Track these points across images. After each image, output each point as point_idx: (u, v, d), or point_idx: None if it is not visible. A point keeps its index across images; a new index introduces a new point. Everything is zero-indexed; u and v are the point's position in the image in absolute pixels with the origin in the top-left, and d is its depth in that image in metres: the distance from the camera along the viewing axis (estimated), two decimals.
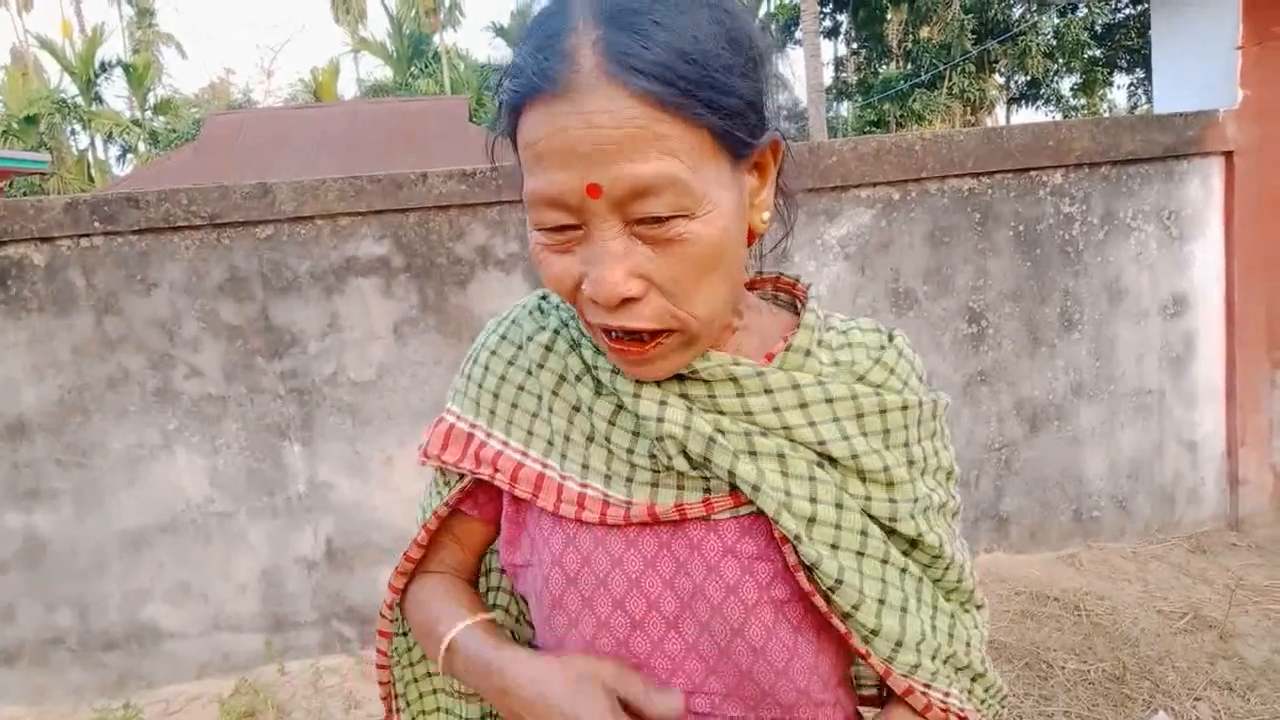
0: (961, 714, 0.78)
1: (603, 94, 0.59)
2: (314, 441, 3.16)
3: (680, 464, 0.73)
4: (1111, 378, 3.60)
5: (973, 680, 0.81)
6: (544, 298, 0.86)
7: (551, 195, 0.62)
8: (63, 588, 3.07)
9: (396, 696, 0.96)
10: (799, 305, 0.85)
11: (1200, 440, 3.69)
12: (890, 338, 0.82)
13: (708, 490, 0.74)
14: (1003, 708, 0.86)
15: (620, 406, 0.75)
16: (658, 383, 0.74)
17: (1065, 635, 2.99)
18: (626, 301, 0.64)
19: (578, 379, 0.77)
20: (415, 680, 0.98)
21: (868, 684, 0.93)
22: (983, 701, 0.82)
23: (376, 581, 3.21)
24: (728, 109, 0.62)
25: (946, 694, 0.77)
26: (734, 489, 0.74)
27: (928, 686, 0.76)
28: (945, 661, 0.78)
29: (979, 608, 0.85)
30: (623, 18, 0.60)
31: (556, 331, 0.81)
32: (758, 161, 0.70)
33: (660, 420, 0.72)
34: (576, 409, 0.78)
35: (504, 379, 0.82)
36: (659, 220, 0.62)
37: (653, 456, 0.74)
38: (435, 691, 0.99)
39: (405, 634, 0.96)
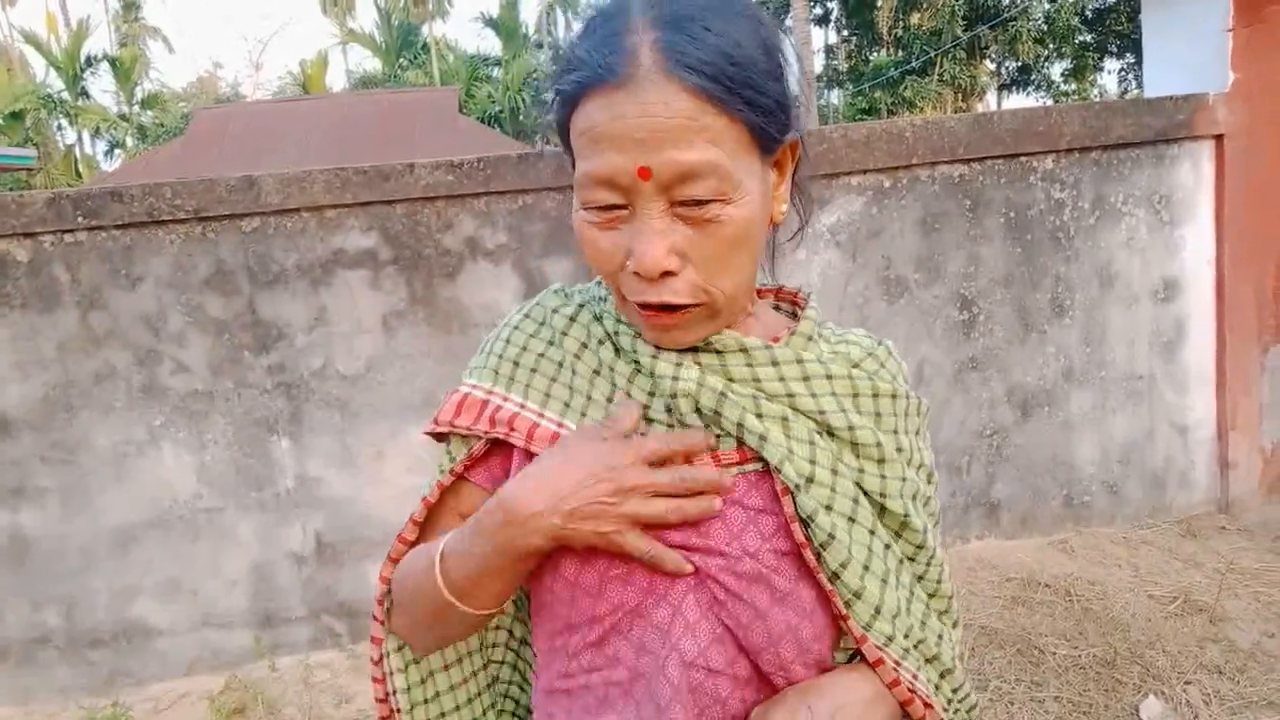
0: (926, 700, 0.78)
1: (659, 87, 0.67)
2: (303, 436, 3.14)
3: (692, 420, 0.78)
4: (1102, 363, 3.59)
5: (941, 675, 0.82)
6: (561, 288, 0.91)
7: (605, 175, 0.69)
8: (49, 586, 3.04)
9: (398, 711, 0.91)
10: (798, 312, 0.92)
11: (1191, 424, 3.70)
12: (879, 342, 0.89)
13: (714, 448, 0.78)
14: (970, 717, 0.86)
15: (638, 369, 0.80)
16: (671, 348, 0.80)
17: (1056, 621, 2.99)
18: (664, 276, 0.71)
19: (600, 343, 0.83)
20: (408, 689, 0.91)
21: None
22: (949, 701, 0.83)
23: (367, 576, 3.20)
24: (763, 108, 0.71)
25: (914, 676, 0.78)
26: (740, 445, 0.78)
27: (897, 663, 0.77)
28: (915, 646, 0.80)
29: (955, 625, 0.87)
30: (678, 22, 0.68)
31: (581, 305, 0.87)
32: (778, 159, 0.78)
33: (675, 379, 0.77)
34: (598, 372, 0.83)
35: (525, 349, 0.86)
36: (699, 203, 0.69)
37: (668, 410, 0.79)
38: (438, 694, 0.93)
39: (401, 648, 0.90)
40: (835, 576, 0.75)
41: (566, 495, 0.73)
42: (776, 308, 0.94)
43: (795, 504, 0.75)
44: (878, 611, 0.76)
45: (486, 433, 0.83)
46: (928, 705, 0.78)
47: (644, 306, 0.74)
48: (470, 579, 0.77)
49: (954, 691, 0.83)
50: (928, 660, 0.80)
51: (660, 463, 0.75)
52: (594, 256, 0.75)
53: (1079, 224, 3.50)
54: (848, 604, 0.75)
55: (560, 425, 0.82)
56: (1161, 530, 3.62)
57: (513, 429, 0.82)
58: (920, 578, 0.83)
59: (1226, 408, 3.65)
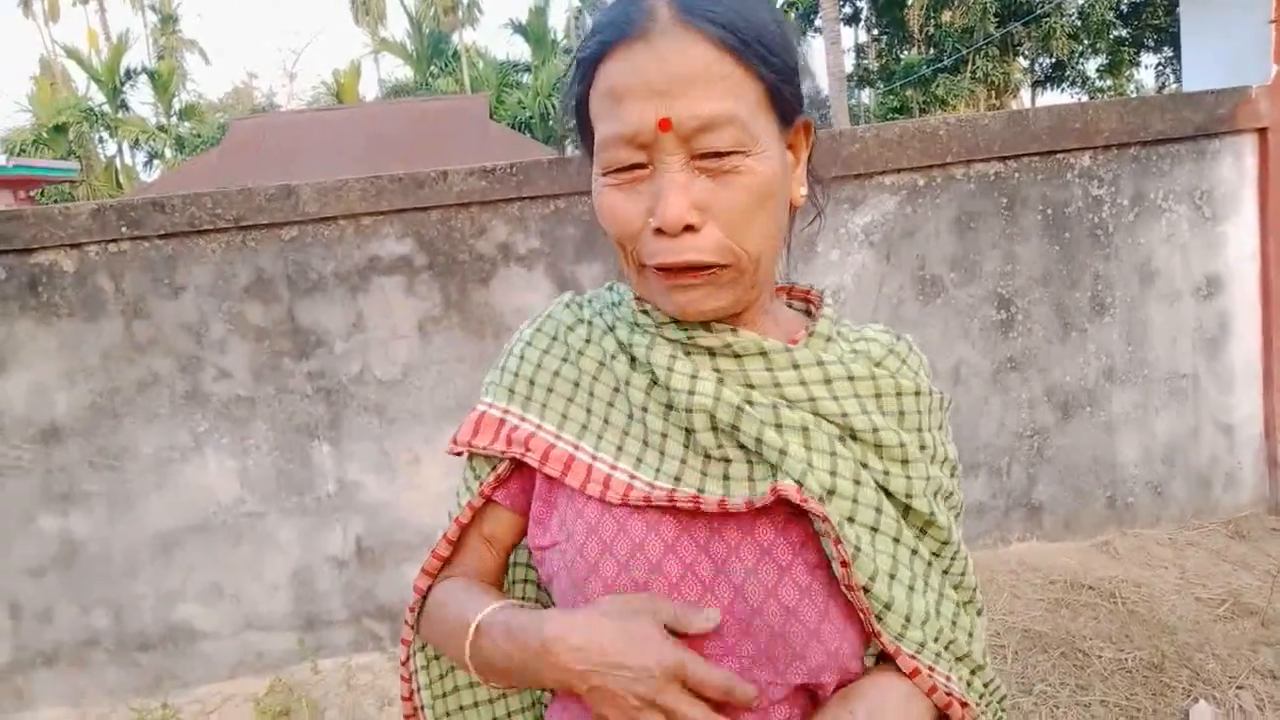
0: (963, 700, 0.78)
1: (677, 37, 0.69)
2: (342, 441, 3.17)
3: (707, 439, 0.77)
4: (1145, 361, 3.53)
5: (972, 673, 0.82)
6: (573, 298, 0.91)
7: (626, 133, 0.70)
8: (98, 589, 3.11)
9: (421, 708, 0.95)
10: (813, 311, 0.91)
11: (1237, 423, 3.62)
12: (899, 337, 0.88)
13: (726, 479, 0.78)
14: (1003, 710, 0.86)
15: (654, 381, 0.80)
16: (688, 354, 0.79)
17: (1101, 624, 2.94)
18: (687, 232, 0.71)
19: (614, 357, 0.82)
20: (443, 695, 0.95)
21: None
22: (980, 696, 0.82)
23: (406, 579, 3.23)
24: (777, 69, 0.72)
25: (947, 678, 0.78)
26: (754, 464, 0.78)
27: (931, 669, 0.77)
28: (946, 647, 0.79)
29: (979, 613, 0.87)
30: None
31: (591, 322, 0.86)
32: (791, 142, 0.78)
33: (691, 393, 0.77)
34: (618, 390, 0.82)
35: (540, 366, 0.86)
36: (720, 155, 0.70)
37: (687, 432, 0.78)
38: (462, 708, 0.96)
39: (437, 656, 0.95)
40: (865, 590, 0.74)
41: (602, 673, 0.70)
42: (790, 306, 0.93)
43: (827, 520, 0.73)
44: (908, 620, 0.76)
45: (504, 452, 0.84)
46: (964, 705, 0.78)
47: (665, 271, 0.73)
48: (493, 668, 0.79)
49: (985, 686, 0.83)
50: (959, 659, 0.80)
51: (703, 695, 0.71)
52: (614, 219, 0.74)
53: (1118, 221, 3.44)
54: (879, 617, 0.75)
55: (577, 447, 0.82)
56: (1208, 531, 3.55)
57: (529, 449, 0.83)
58: (945, 571, 0.82)
59: (1275, 406, 3.57)
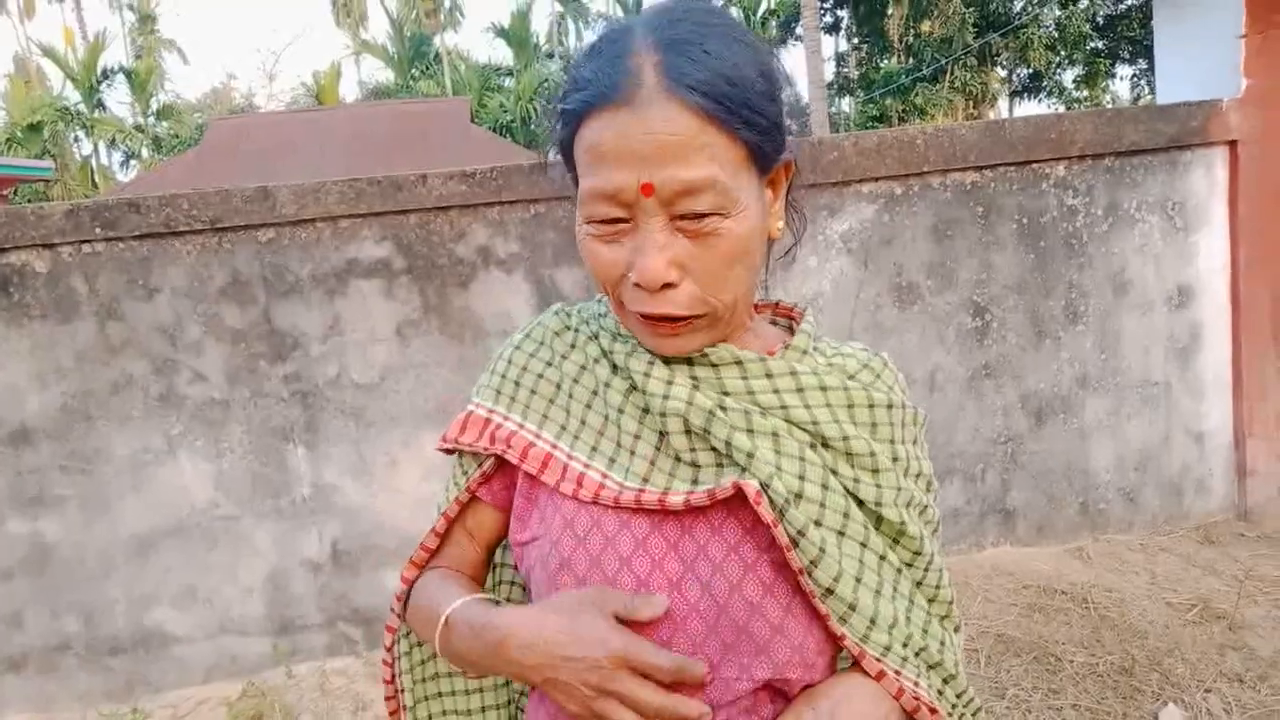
0: (932, 706, 0.79)
1: (661, 106, 0.70)
2: (318, 444, 3.15)
3: (680, 442, 0.80)
4: (1117, 370, 3.58)
5: (944, 681, 0.82)
6: (562, 307, 0.95)
7: (609, 191, 0.72)
8: (69, 594, 3.07)
9: (401, 691, 0.98)
10: (794, 326, 0.93)
11: (1208, 431, 3.68)
12: (875, 354, 0.91)
13: (695, 482, 0.80)
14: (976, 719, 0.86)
15: (633, 386, 0.83)
16: (667, 363, 0.82)
17: (1073, 628, 2.98)
18: (665, 287, 0.73)
19: (595, 362, 0.86)
20: (422, 680, 1.00)
21: None
22: (953, 706, 0.83)
23: (382, 583, 3.21)
24: (759, 128, 0.74)
25: (915, 683, 0.79)
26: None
27: (898, 672, 0.78)
28: (916, 653, 0.80)
29: (956, 630, 0.87)
30: (679, 46, 0.71)
31: (577, 329, 0.90)
32: (772, 179, 0.81)
33: (666, 397, 0.80)
34: (596, 393, 0.86)
35: (525, 369, 0.90)
36: (699, 216, 0.72)
37: (661, 435, 0.81)
38: (440, 695, 1.01)
39: (419, 643, 0.99)
40: (829, 592, 0.76)
41: (553, 664, 0.73)
42: (774, 323, 0.95)
43: (785, 527, 0.75)
44: (873, 622, 0.77)
45: (486, 449, 0.87)
46: (933, 710, 0.79)
47: (645, 317, 0.77)
48: (461, 659, 0.83)
49: (958, 697, 0.84)
50: (930, 667, 0.81)
51: (653, 680, 0.73)
52: (597, 268, 0.77)
53: (1092, 231, 3.49)
54: (842, 618, 0.76)
55: (554, 446, 0.85)
56: (1179, 537, 3.59)
57: (509, 446, 0.86)
58: (919, 583, 0.84)
59: (1244, 414, 3.63)
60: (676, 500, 0.78)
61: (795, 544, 0.75)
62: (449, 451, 0.92)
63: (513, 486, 0.89)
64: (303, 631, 3.22)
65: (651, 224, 0.72)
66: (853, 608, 0.76)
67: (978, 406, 3.52)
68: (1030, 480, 3.58)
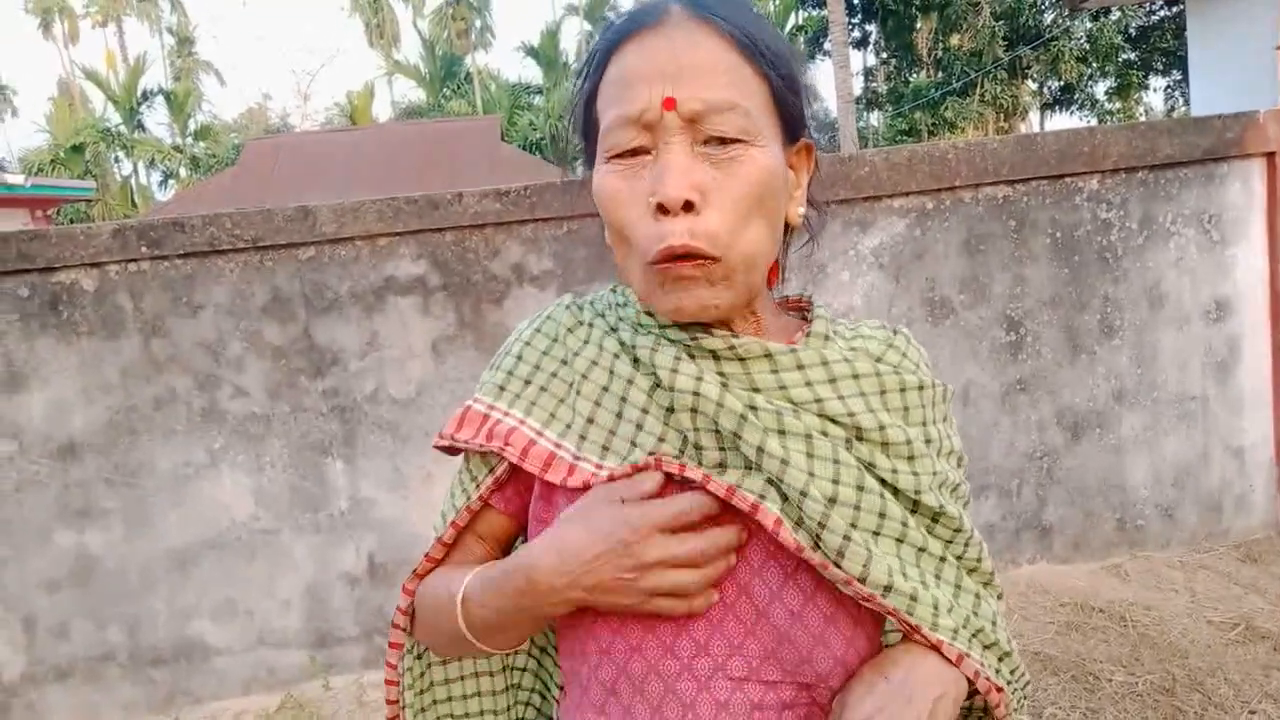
0: (999, 686, 0.79)
1: (688, 28, 0.72)
2: (356, 459, 3.20)
3: (708, 441, 0.76)
4: (1154, 384, 3.54)
5: (1000, 660, 0.82)
6: (573, 300, 0.91)
7: (632, 113, 0.71)
8: (113, 605, 3.13)
9: (404, 708, 0.94)
10: (806, 315, 0.91)
11: (1248, 446, 3.62)
12: (895, 331, 0.89)
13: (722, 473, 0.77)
14: (1025, 698, 0.85)
15: (657, 384, 0.79)
16: (692, 357, 0.78)
17: (1112, 647, 2.94)
18: (687, 210, 0.70)
19: (615, 357, 0.82)
20: (423, 709, 0.95)
21: None
22: (1008, 682, 0.82)
23: None
24: (783, 74, 0.75)
25: (982, 664, 0.78)
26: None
27: (968, 654, 0.77)
28: (974, 636, 0.79)
29: (999, 597, 0.87)
30: None
31: (592, 324, 0.86)
32: (793, 162, 0.80)
33: (696, 394, 0.75)
34: (608, 389, 0.81)
35: (537, 367, 0.86)
36: (723, 141, 0.71)
37: (684, 438, 0.77)
38: (435, 703, 0.96)
39: (419, 655, 0.94)
40: (888, 589, 0.74)
41: (587, 570, 0.72)
42: (788, 313, 0.93)
43: (825, 534, 0.73)
44: (935, 608, 0.76)
45: (483, 447, 0.83)
46: (999, 690, 0.78)
47: (661, 262, 0.72)
48: (490, 626, 0.79)
49: (1012, 673, 0.83)
50: (986, 647, 0.81)
51: (679, 528, 0.73)
52: (614, 201, 0.74)
53: (1127, 244, 3.46)
54: (909, 610, 0.75)
55: (558, 445, 0.81)
56: (1219, 555, 3.54)
57: (508, 444, 0.82)
58: (960, 557, 0.82)
59: None
60: (695, 474, 0.75)
61: (841, 557, 0.73)
62: (448, 450, 0.88)
63: (527, 492, 0.85)
64: (340, 644, 3.26)
65: (673, 146, 0.71)
66: (914, 598, 0.75)
67: (1012, 421, 3.49)
68: (1066, 496, 3.55)
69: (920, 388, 0.83)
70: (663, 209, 0.71)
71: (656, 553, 0.71)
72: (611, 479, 0.77)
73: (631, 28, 0.74)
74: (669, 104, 0.70)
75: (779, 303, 0.92)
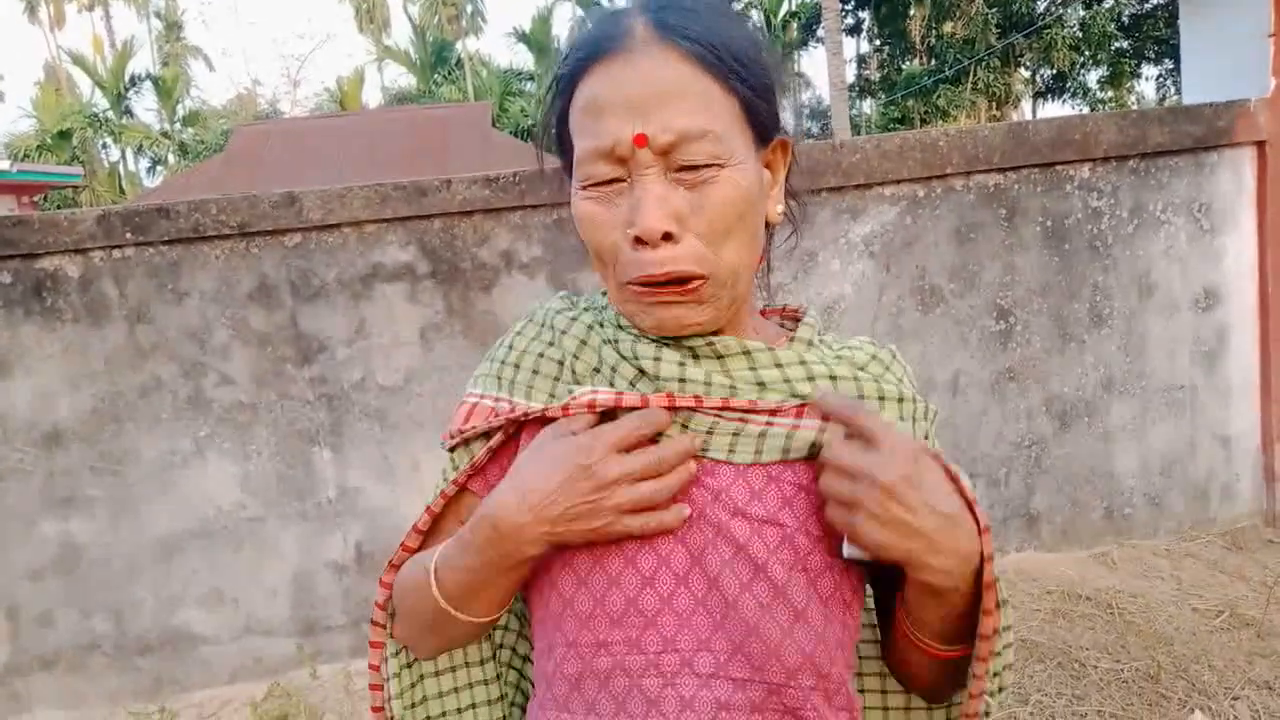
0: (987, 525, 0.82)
1: (654, 53, 0.71)
2: (343, 447, 3.19)
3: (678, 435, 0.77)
4: (1143, 373, 3.55)
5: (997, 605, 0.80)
6: (567, 294, 0.93)
7: (604, 147, 0.71)
8: (98, 594, 3.12)
9: (389, 699, 0.90)
10: (796, 324, 0.91)
11: (1235, 435, 3.64)
12: (882, 347, 0.89)
13: (704, 451, 0.78)
14: (1007, 666, 0.80)
15: (641, 373, 0.79)
16: (672, 347, 0.79)
17: (1098, 634, 2.95)
18: (666, 240, 0.71)
19: (603, 343, 0.83)
20: (413, 706, 0.91)
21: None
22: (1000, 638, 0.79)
23: None
24: (752, 85, 0.74)
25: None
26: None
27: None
28: None
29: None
30: (669, 7, 0.73)
31: (584, 310, 0.88)
32: (768, 161, 0.80)
33: (681, 380, 0.77)
34: (597, 370, 0.82)
35: (526, 352, 0.87)
36: (696, 167, 0.71)
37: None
38: (426, 699, 0.93)
39: (409, 664, 0.91)
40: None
41: (550, 502, 0.73)
42: (780, 324, 0.93)
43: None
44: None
45: (490, 424, 0.84)
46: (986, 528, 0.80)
47: (643, 286, 0.73)
48: (465, 588, 0.79)
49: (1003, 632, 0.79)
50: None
51: (632, 446, 0.75)
52: (592, 232, 0.75)
53: (1117, 233, 3.46)
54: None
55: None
56: (1205, 543, 3.55)
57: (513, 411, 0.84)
58: None
59: (1272, 418, 3.59)
60: (634, 399, 0.77)
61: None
62: (455, 447, 0.88)
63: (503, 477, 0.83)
64: (327, 633, 3.25)
65: (648, 176, 0.71)
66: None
67: (1001, 410, 3.50)
68: (1054, 485, 3.56)
69: (900, 400, 0.83)
70: (641, 241, 0.72)
71: (616, 469, 0.73)
72: (549, 418, 0.79)
73: (596, 53, 0.73)
74: (640, 141, 0.70)
75: (776, 310, 0.94)
